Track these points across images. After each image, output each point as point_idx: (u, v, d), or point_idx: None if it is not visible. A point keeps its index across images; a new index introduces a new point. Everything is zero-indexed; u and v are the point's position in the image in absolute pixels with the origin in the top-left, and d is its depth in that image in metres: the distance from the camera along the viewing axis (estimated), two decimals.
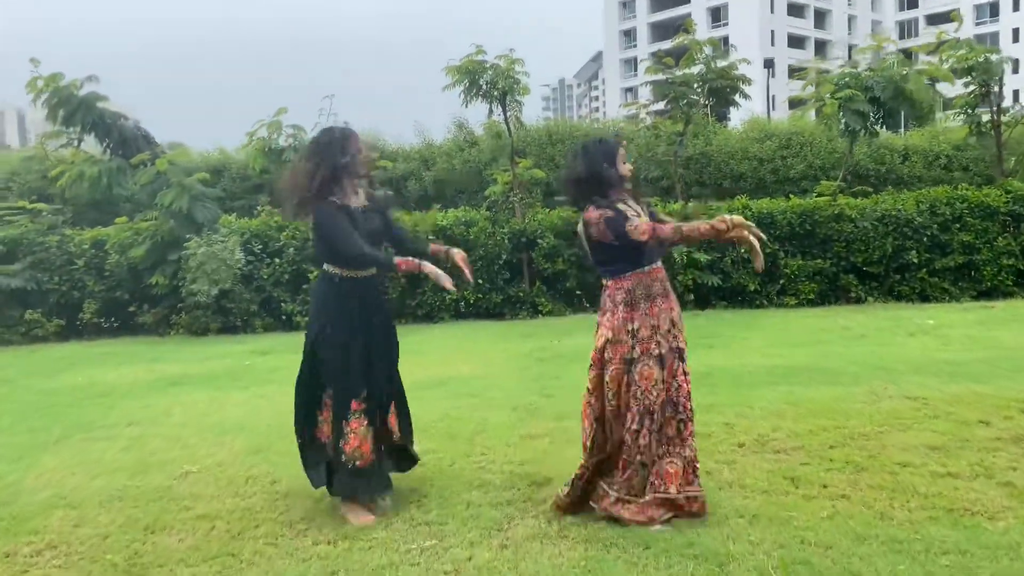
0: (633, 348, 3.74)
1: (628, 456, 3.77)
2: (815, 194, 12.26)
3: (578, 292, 11.70)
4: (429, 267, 4.05)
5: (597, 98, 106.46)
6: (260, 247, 11.58)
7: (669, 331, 3.79)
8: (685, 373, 3.82)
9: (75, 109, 11.55)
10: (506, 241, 11.64)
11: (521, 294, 11.67)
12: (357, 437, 4.02)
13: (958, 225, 11.48)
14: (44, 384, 8.11)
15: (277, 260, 11.53)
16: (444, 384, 6.93)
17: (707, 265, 11.29)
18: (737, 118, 18.27)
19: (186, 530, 3.97)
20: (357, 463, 4.02)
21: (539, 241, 11.63)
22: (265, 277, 11.48)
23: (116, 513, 4.21)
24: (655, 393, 3.72)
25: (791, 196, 12.47)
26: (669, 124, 13.11)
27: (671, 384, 3.77)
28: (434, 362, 8.01)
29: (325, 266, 4.16)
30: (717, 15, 70.43)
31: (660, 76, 12.53)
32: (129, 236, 11.63)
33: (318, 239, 4.20)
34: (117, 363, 9.19)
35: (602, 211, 3.76)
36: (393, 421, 4.26)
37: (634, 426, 3.72)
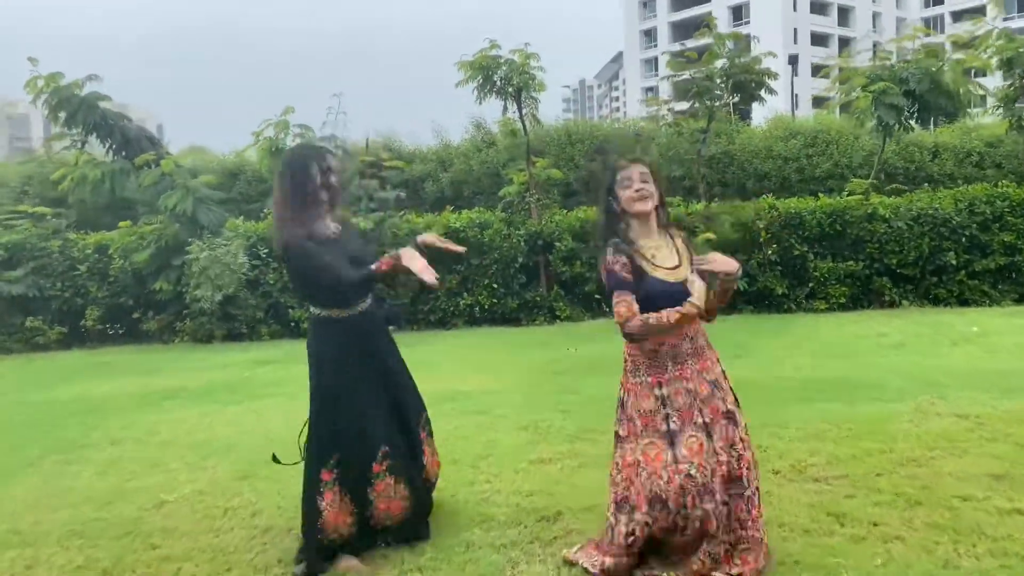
0: (669, 419, 3.14)
1: (692, 542, 3.16)
2: (846, 193, 11.67)
3: (597, 297, 11.18)
4: (408, 253, 3.37)
5: (618, 98, 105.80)
6: (266, 251, 11.14)
7: (712, 394, 3.20)
8: (743, 440, 3.21)
9: (76, 109, 11.15)
10: (522, 243, 11.15)
11: (538, 299, 11.18)
12: (384, 499, 3.55)
13: (998, 225, 10.85)
14: (36, 397, 7.75)
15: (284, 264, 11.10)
16: (452, 399, 6.44)
17: None
18: (760, 116, 17.70)
19: (148, 574, 3.53)
20: (391, 517, 3.59)
21: (556, 243, 11.14)
22: (272, 282, 11.07)
23: (75, 552, 3.79)
24: (709, 467, 3.11)
25: (819, 195, 11.89)
26: (691, 122, 12.58)
27: (729, 455, 3.16)
28: (443, 374, 7.51)
29: (312, 309, 3.62)
30: (739, 13, 69.47)
31: (682, 72, 11.99)
32: (133, 240, 11.29)
33: (293, 276, 3.80)
34: (115, 374, 8.82)
35: (615, 258, 3.15)
36: (432, 461, 3.83)
37: (697, 512, 3.09)
